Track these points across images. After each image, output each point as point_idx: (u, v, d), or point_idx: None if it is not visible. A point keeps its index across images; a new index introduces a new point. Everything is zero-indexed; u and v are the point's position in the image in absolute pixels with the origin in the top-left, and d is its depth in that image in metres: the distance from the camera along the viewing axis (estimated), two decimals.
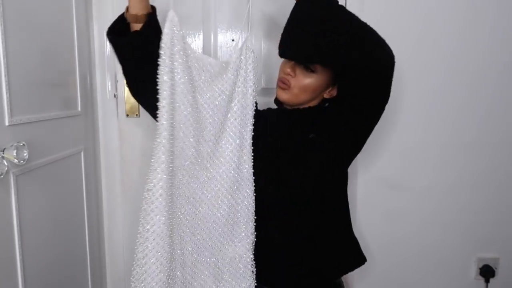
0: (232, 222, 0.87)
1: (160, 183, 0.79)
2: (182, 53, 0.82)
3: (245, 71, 0.89)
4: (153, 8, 0.91)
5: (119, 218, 1.37)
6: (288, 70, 0.92)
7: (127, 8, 0.88)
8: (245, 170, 0.88)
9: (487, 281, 1.39)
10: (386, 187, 1.37)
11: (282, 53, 0.86)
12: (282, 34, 0.84)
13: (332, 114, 0.92)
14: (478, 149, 1.35)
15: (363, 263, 0.99)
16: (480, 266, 1.39)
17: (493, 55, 1.31)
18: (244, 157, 0.88)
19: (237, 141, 0.88)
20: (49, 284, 0.99)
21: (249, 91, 0.90)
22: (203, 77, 0.86)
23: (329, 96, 0.95)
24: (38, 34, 0.95)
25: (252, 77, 0.90)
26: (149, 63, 0.84)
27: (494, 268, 1.39)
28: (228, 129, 0.88)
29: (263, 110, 1.02)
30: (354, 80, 0.83)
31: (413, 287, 1.42)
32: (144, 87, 0.87)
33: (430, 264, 1.41)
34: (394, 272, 1.42)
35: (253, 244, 0.88)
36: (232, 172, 0.87)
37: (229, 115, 0.88)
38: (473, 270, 1.40)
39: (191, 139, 0.85)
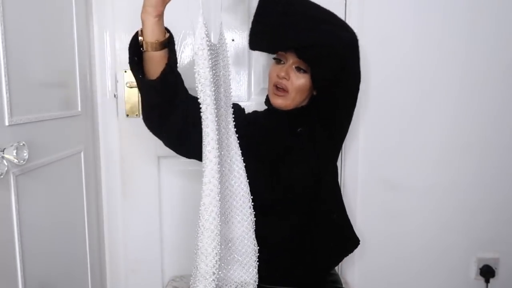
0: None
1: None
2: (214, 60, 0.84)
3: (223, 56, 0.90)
4: (168, 31, 0.86)
5: (119, 218, 1.37)
6: (283, 74, 0.92)
7: (141, 32, 0.82)
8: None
9: (487, 281, 1.39)
10: (386, 187, 1.37)
11: (253, 46, 0.88)
12: (253, 28, 0.85)
13: (316, 108, 0.95)
14: (478, 149, 1.35)
15: (357, 246, 1.05)
16: (480, 266, 1.39)
17: (495, 54, 1.31)
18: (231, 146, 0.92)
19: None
20: (49, 284, 0.99)
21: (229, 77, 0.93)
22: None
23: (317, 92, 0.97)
24: (38, 34, 0.95)
25: (227, 60, 0.92)
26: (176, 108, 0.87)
27: (494, 268, 1.39)
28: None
29: (249, 114, 1.05)
30: (321, 60, 0.85)
31: (413, 287, 1.42)
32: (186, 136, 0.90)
33: (430, 264, 1.41)
34: (394, 272, 1.42)
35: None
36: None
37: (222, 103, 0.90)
38: (473, 270, 1.40)
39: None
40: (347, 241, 1.03)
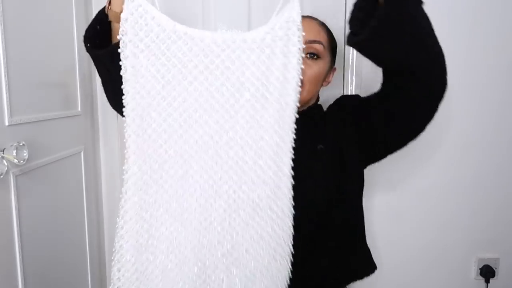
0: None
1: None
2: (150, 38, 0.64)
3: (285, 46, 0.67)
4: None
5: (119, 218, 1.37)
6: None
7: (109, 2, 0.76)
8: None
9: (487, 281, 1.39)
10: (386, 187, 1.37)
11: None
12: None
13: (338, 119, 0.87)
14: (478, 149, 1.35)
15: (373, 272, 0.97)
16: (480, 266, 1.39)
17: (496, 54, 1.31)
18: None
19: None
20: (49, 284, 0.99)
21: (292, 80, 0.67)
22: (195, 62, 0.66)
23: (326, 84, 0.92)
24: (38, 34, 0.95)
25: (296, 53, 0.67)
26: None
27: (494, 268, 1.39)
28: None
29: None
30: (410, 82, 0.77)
31: (413, 287, 1.42)
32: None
33: (430, 264, 1.41)
34: (394, 272, 1.42)
35: None
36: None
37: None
38: (473, 270, 1.40)
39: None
40: (359, 266, 0.94)
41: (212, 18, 1.29)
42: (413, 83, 0.77)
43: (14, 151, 0.78)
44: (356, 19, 0.74)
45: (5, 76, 0.80)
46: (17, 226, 0.83)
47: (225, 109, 0.66)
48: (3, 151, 0.78)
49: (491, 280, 1.39)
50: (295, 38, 0.66)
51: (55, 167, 1.02)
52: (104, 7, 0.79)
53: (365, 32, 0.68)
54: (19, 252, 0.84)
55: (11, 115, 0.81)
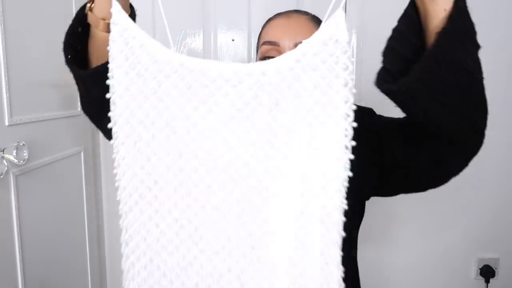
0: None
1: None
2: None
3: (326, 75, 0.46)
4: (131, 8, 0.65)
5: (119, 218, 1.37)
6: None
7: (90, 7, 0.60)
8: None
9: (487, 281, 1.39)
10: None
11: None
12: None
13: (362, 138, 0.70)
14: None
15: None
16: (480, 266, 1.39)
17: (496, 54, 1.31)
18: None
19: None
20: (49, 284, 0.99)
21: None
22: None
23: None
24: (39, 34, 0.95)
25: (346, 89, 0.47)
26: None
27: (494, 268, 1.39)
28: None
29: None
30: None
31: (413, 286, 1.42)
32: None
33: (431, 264, 1.41)
34: (394, 272, 1.42)
35: None
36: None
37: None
38: (473, 270, 1.40)
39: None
40: None
41: (212, 18, 1.29)
42: (446, 146, 0.60)
43: (14, 151, 0.78)
44: (392, 50, 0.57)
45: (5, 76, 0.80)
46: (17, 226, 0.83)
47: (234, 169, 0.48)
48: (3, 151, 0.78)
49: (491, 280, 1.39)
50: (339, 68, 0.45)
51: (55, 167, 1.02)
52: (86, 4, 0.61)
53: (401, 82, 0.51)
54: (19, 251, 0.84)
55: (11, 115, 0.81)
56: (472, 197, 1.36)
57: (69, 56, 0.66)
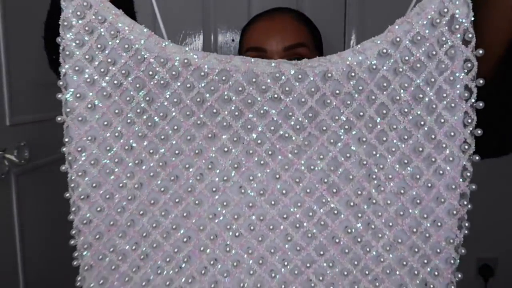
0: None
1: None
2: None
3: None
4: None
5: None
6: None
7: None
8: None
9: (486, 281, 1.39)
10: None
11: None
12: None
13: None
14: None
15: None
16: (479, 265, 1.40)
17: None
18: None
19: None
20: (49, 284, 1.00)
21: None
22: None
23: None
24: (39, 34, 0.95)
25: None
26: None
27: (493, 267, 1.39)
28: None
29: None
30: None
31: None
32: None
33: None
34: None
35: None
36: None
37: None
38: (472, 270, 1.41)
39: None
40: None
41: (212, 18, 1.29)
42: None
43: (15, 151, 0.78)
44: None
45: (6, 76, 0.80)
46: (18, 225, 0.83)
47: (277, 212, 0.38)
48: (4, 150, 0.78)
49: (490, 279, 1.40)
50: (457, 63, 0.35)
51: (56, 167, 1.02)
52: None
53: None
54: (20, 251, 0.84)
55: (12, 115, 0.82)
56: (472, 197, 1.36)
57: (54, 56, 0.53)
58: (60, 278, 1.06)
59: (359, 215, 0.38)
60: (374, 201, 0.38)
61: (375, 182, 0.38)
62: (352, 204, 0.38)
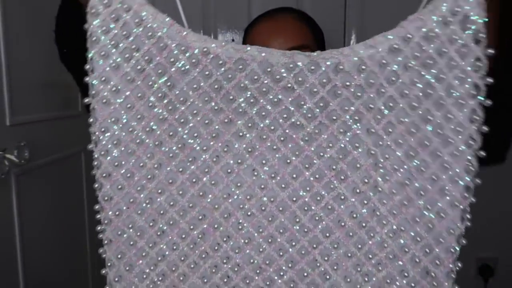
0: None
1: None
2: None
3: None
4: None
5: None
6: None
7: None
8: None
9: (485, 281, 1.39)
10: None
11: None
12: None
13: None
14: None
15: None
16: (479, 265, 1.40)
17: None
18: None
19: None
20: (49, 284, 1.00)
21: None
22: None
23: None
24: (39, 34, 0.95)
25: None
26: None
27: (493, 267, 1.39)
28: None
29: None
30: None
31: None
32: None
33: None
34: None
35: None
36: None
37: None
38: (472, 269, 1.41)
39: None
40: None
41: (212, 18, 1.30)
42: None
43: (15, 151, 0.78)
44: None
45: (6, 76, 0.80)
46: (18, 226, 0.84)
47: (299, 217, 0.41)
48: (4, 151, 0.78)
49: (490, 279, 1.40)
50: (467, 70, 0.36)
51: (56, 167, 1.02)
52: None
53: None
54: (20, 251, 0.84)
55: (12, 115, 0.82)
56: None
57: (65, 50, 0.55)
58: (60, 278, 1.06)
59: (365, 201, 0.40)
60: (380, 189, 0.39)
61: (382, 171, 0.39)
62: (358, 191, 0.39)
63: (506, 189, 1.38)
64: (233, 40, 1.30)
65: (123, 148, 0.41)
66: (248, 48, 0.38)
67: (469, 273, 1.41)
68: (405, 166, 0.39)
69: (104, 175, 0.42)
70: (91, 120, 0.43)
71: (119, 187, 0.41)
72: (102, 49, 0.39)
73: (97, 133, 0.43)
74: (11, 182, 0.82)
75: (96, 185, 0.42)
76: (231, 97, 0.39)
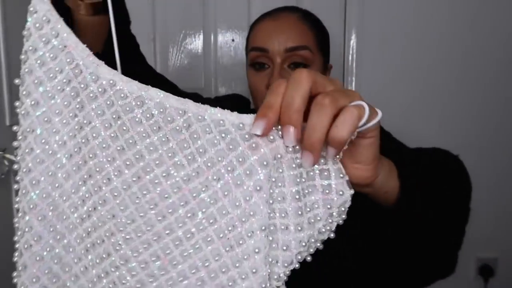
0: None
1: None
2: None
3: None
4: None
5: None
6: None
7: None
8: None
9: (486, 281, 1.40)
10: None
11: None
12: None
13: None
14: (477, 149, 1.36)
15: None
16: (479, 265, 1.40)
17: (496, 54, 1.31)
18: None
19: None
20: None
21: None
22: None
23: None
24: None
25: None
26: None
27: (493, 267, 1.39)
28: None
29: None
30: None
31: None
32: None
33: None
34: None
35: None
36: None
37: None
38: (472, 270, 1.41)
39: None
40: None
41: (212, 18, 1.30)
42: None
43: (15, 151, 0.78)
44: None
45: (6, 76, 0.80)
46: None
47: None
48: (4, 150, 0.78)
49: (490, 279, 1.40)
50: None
51: None
52: None
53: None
54: None
55: (12, 115, 0.82)
56: (472, 197, 1.36)
57: None
58: None
59: (227, 248, 0.44)
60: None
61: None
62: (222, 235, 0.43)
63: (506, 189, 1.38)
64: (233, 40, 1.30)
65: (33, 158, 0.46)
66: (148, 89, 0.42)
67: (469, 273, 1.42)
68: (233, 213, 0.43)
69: (16, 185, 0.46)
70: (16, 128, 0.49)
71: (23, 191, 0.46)
72: (29, 66, 0.43)
73: (20, 137, 0.48)
74: (11, 182, 0.82)
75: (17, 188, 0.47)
76: (124, 128, 0.42)
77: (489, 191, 1.37)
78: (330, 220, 0.40)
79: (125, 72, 0.43)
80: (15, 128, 0.47)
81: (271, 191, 0.40)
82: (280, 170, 0.39)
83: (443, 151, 0.63)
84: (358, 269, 0.64)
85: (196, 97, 0.76)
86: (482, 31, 1.31)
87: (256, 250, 0.42)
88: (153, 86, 0.41)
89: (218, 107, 0.42)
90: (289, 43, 0.65)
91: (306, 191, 0.39)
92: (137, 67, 0.64)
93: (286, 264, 0.41)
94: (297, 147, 0.37)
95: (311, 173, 0.39)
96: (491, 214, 1.38)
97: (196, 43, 1.30)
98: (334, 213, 0.39)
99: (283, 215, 0.40)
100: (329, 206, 0.39)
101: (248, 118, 0.40)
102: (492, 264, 1.40)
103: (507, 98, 1.34)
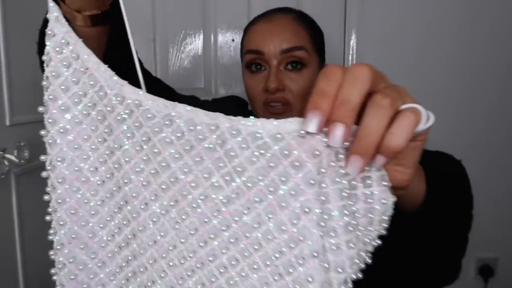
0: None
1: None
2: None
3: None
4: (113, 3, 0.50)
5: None
6: (274, 85, 0.63)
7: None
8: None
9: (486, 281, 1.40)
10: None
11: None
12: None
13: None
14: (477, 149, 1.36)
15: None
16: (479, 265, 1.40)
17: (496, 54, 1.31)
18: None
19: None
20: (49, 284, 1.00)
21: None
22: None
23: None
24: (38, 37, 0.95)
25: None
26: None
27: (493, 267, 1.39)
28: None
29: None
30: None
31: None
32: None
33: None
34: None
35: None
36: None
37: None
38: (472, 270, 1.41)
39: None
40: None
41: (212, 18, 1.30)
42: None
43: (15, 151, 0.78)
44: None
45: (6, 76, 0.80)
46: (18, 225, 0.84)
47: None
48: (4, 150, 0.78)
49: (490, 279, 1.40)
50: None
51: None
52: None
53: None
54: (20, 251, 0.84)
55: (12, 115, 0.82)
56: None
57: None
58: None
59: (276, 277, 0.39)
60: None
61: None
62: (269, 263, 0.38)
63: (506, 190, 1.38)
64: (233, 40, 1.30)
65: (67, 186, 0.44)
66: (175, 106, 0.38)
67: (469, 273, 1.41)
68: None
69: (50, 210, 0.45)
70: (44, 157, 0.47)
71: (61, 223, 0.44)
72: (52, 93, 0.43)
73: (49, 168, 0.46)
74: (11, 182, 0.82)
75: (50, 211, 0.45)
76: (156, 150, 0.39)
77: (489, 191, 1.37)
78: (371, 229, 0.36)
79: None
80: (42, 158, 0.46)
81: (319, 211, 0.35)
82: (324, 185, 0.34)
83: (447, 155, 0.62)
84: (366, 272, 0.62)
85: (194, 100, 0.76)
86: (482, 31, 1.31)
87: (310, 279, 0.36)
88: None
89: (251, 117, 0.37)
90: (285, 45, 0.65)
91: (350, 202, 0.35)
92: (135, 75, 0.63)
93: (342, 287, 0.37)
94: (340, 155, 0.33)
95: (354, 182, 0.35)
96: (491, 214, 1.38)
97: (196, 43, 1.30)
98: (375, 222, 0.36)
99: (332, 234, 0.35)
100: (371, 216, 0.35)
101: (285, 124, 0.35)
102: (492, 264, 1.40)
103: (507, 99, 1.34)
